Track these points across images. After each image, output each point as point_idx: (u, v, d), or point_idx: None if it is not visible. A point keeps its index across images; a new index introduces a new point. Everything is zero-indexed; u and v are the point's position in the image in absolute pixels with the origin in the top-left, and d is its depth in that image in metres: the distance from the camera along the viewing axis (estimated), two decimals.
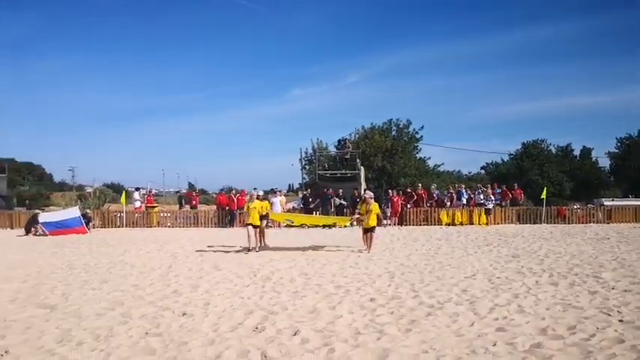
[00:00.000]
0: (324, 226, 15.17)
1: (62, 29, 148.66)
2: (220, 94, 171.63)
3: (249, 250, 13.51)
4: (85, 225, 21.68)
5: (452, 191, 25.74)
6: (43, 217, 21.80)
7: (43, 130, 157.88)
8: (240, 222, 14.76)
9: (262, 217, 14.29)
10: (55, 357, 5.15)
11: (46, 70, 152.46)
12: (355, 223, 14.97)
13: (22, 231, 21.88)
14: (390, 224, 22.59)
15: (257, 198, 14.63)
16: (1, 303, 7.71)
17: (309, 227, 15.63)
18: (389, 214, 23.17)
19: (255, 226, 13.82)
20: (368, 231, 13.47)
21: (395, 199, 24.01)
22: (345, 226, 14.53)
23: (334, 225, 14.55)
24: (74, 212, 22.58)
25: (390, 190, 25.46)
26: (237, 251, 13.56)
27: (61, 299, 7.97)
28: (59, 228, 20.81)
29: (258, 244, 13.95)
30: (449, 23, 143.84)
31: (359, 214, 13.99)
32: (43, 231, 20.58)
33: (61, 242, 17.42)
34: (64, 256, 13.51)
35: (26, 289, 8.86)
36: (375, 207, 13.61)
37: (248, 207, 14.18)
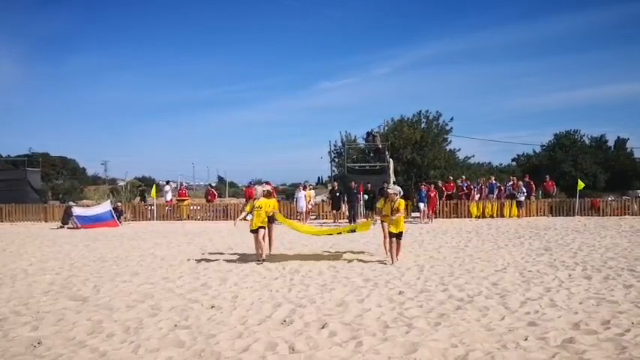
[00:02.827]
0: (339, 234, 12.97)
1: (95, 26, 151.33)
2: (250, 87, 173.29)
3: (260, 261, 10.82)
4: (116, 218, 22.06)
5: (481, 183, 25.32)
6: (77, 210, 22.19)
7: (76, 124, 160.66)
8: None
9: (269, 218, 11.61)
10: (85, 348, 5.22)
11: (78, 66, 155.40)
12: (377, 221, 11.79)
13: (56, 224, 22.37)
14: (423, 220, 21.80)
15: (263, 194, 11.70)
16: (35, 295, 7.87)
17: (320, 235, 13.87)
18: (423, 209, 22.03)
19: (258, 230, 11.06)
20: (393, 236, 10.67)
21: (432, 194, 22.57)
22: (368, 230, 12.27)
23: (353, 231, 12.51)
24: (106, 206, 22.97)
25: (423, 186, 23.84)
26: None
27: (93, 291, 8.10)
28: (92, 222, 21.19)
29: (262, 252, 11.09)
30: (477, 14, 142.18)
31: (381, 214, 11.13)
32: (75, 224, 20.99)
33: (93, 235, 17.74)
34: (96, 248, 13.74)
35: (59, 281, 9.04)
36: (401, 205, 10.78)
37: (252, 207, 11.30)
